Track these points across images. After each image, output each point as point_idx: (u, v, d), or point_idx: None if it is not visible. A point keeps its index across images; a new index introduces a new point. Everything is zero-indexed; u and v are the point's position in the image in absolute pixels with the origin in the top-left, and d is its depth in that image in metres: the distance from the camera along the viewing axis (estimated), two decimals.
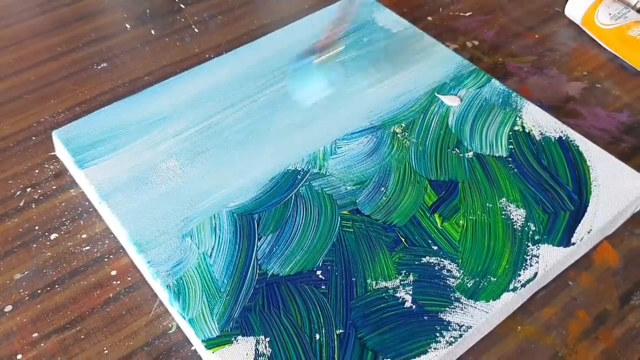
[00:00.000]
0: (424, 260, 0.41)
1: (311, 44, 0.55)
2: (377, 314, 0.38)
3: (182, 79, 0.53)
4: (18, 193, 0.47)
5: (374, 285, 0.39)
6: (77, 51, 0.59)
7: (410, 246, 0.41)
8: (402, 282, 0.39)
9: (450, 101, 0.51)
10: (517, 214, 0.43)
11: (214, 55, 0.58)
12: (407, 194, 0.44)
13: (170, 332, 0.40)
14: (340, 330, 0.37)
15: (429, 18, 0.63)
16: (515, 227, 0.42)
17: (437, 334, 0.37)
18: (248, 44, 0.56)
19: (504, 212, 0.43)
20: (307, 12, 0.62)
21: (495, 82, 0.52)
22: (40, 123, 0.53)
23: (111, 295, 0.41)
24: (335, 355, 0.36)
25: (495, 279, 0.40)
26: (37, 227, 0.45)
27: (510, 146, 0.47)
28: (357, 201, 0.44)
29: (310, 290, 0.39)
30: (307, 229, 0.42)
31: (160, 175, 0.45)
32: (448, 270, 0.40)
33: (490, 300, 0.39)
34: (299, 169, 0.46)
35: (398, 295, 0.39)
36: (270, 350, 0.36)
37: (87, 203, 0.46)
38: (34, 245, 0.44)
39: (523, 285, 0.39)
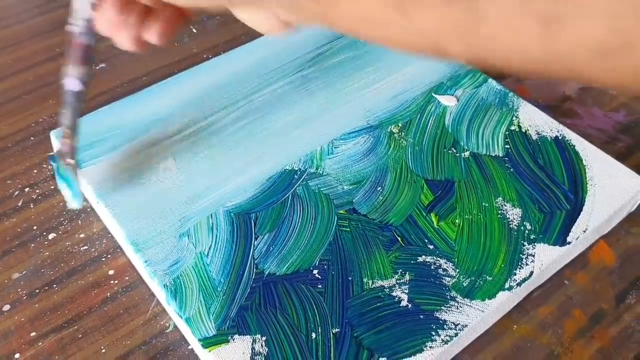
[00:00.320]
0: (420, 259, 0.41)
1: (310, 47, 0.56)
2: (373, 313, 0.38)
3: (180, 79, 0.53)
4: (16, 193, 0.47)
5: (370, 284, 0.39)
6: None
7: (407, 245, 0.41)
8: (398, 281, 0.40)
9: (447, 101, 0.51)
10: (513, 213, 0.43)
11: (212, 56, 0.58)
12: (403, 193, 0.44)
13: (167, 331, 0.40)
14: (337, 329, 0.37)
15: None
16: (511, 226, 0.42)
17: (433, 333, 0.37)
18: (246, 44, 0.56)
19: (500, 212, 0.43)
20: None
21: (492, 82, 0.52)
22: (39, 123, 0.53)
23: (109, 294, 0.42)
24: (332, 354, 0.36)
25: (491, 278, 0.40)
26: (35, 227, 0.45)
27: (506, 146, 0.47)
28: (353, 201, 0.44)
29: (307, 289, 0.39)
30: (304, 229, 0.42)
31: (158, 175, 0.45)
32: (444, 269, 0.40)
33: (486, 299, 0.39)
34: (296, 168, 0.46)
35: (394, 294, 0.39)
36: (267, 349, 0.36)
37: (84, 203, 0.47)
38: (32, 245, 0.44)
39: (519, 284, 0.39)
